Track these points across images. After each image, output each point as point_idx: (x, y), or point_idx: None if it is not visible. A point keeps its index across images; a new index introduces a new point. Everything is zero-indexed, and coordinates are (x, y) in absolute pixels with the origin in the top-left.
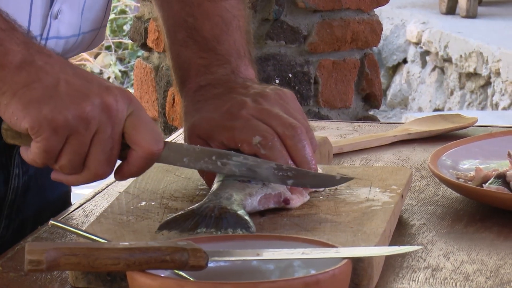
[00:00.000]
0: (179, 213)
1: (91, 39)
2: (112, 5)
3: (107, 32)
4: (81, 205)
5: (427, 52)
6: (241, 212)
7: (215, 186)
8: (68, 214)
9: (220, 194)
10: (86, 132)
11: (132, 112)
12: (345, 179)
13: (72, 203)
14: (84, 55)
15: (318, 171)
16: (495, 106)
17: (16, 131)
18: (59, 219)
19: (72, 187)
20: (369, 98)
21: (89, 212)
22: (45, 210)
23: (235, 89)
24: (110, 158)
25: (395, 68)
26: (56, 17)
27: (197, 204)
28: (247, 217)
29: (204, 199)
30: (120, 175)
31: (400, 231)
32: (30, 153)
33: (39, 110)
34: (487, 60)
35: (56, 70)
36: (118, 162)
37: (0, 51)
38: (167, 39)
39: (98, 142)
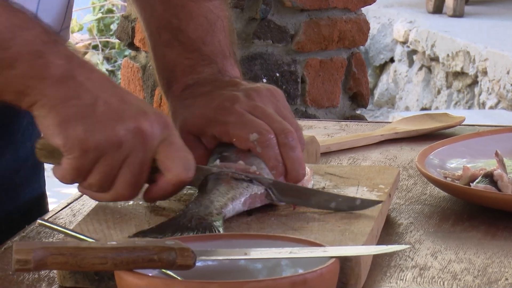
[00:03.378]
0: (157, 224)
1: None
2: (99, 4)
3: (94, 31)
4: (69, 204)
5: (414, 51)
6: (217, 223)
7: (198, 191)
8: (56, 213)
9: (201, 202)
10: (117, 155)
11: (166, 138)
12: (368, 202)
13: (49, 208)
14: None
15: (306, 172)
16: (482, 105)
17: (49, 151)
18: (47, 218)
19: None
20: (356, 97)
21: (77, 212)
22: (16, 212)
23: (224, 86)
24: (138, 182)
25: (382, 67)
26: None
27: (177, 213)
28: (220, 229)
29: (185, 207)
30: (149, 198)
31: (388, 230)
32: (61, 169)
33: (73, 129)
34: (474, 59)
35: (96, 88)
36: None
37: (42, 63)
38: (149, 41)
39: (128, 166)
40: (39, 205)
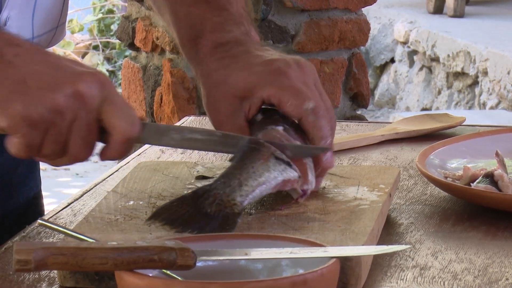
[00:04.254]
0: (174, 200)
1: (48, 40)
2: (100, 4)
3: (95, 31)
4: (69, 204)
5: (414, 52)
6: (237, 209)
7: (232, 159)
8: (56, 213)
9: (230, 180)
10: (62, 122)
11: (106, 97)
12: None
13: (44, 207)
14: (71, 54)
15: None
16: (483, 105)
17: None
18: (47, 218)
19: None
20: (356, 98)
21: (77, 212)
22: (13, 210)
23: (262, 50)
24: (89, 143)
25: (382, 68)
26: (5, 24)
27: (203, 186)
28: (238, 219)
29: (213, 181)
30: (103, 158)
31: (388, 230)
32: (13, 147)
33: (12, 108)
34: (474, 60)
35: (25, 62)
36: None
37: None
38: (171, 2)
39: (76, 129)
40: (35, 204)
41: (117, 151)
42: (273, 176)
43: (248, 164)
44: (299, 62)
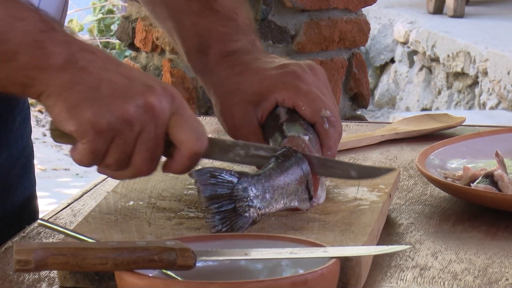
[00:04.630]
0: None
1: None
2: (100, 4)
3: (95, 31)
4: (69, 204)
5: (414, 52)
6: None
7: (273, 171)
8: (56, 213)
9: (264, 195)
10: (130, 133)
11: (176, 111)
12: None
13: (39, 208)
14: None
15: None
16: (483, 105)
17: (63, 131)
18: (47, 218)
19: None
20: (356, 98)
21: (77, 212)
22: (9, 211)
23: (272, 57)
24: (154, 156)
25: (382, 68)
26: None
27: (239, 178)
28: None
29: (254, 177)
30: (166, 170)
31: (388, 230)
32: (77, 154)
33: (82, 113)
34: (474, 60)
35: (99, 69)
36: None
37: (42, 54)
38: (175, 11)
39: (142, 142)
40: (30, 205)
41: (182, 166)
42: (292, 204)
43: (284, 181)
44: (312, 67)
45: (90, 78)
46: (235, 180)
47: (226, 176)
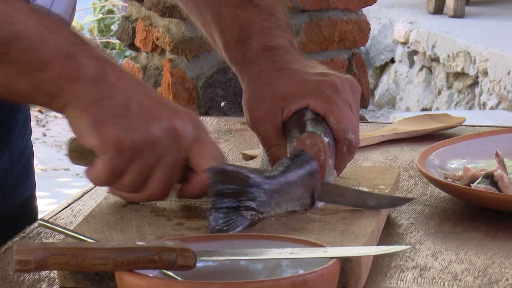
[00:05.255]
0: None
1: None
2: (100, 5)
3: (95, 31)
4: (69, 204)
5: (414, 52)
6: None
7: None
8: (56, 214)
9: (269, 201)
10: (152, 155)
11: (198, 137)
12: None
13: (38, 209)
14: None
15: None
16: (483, 105)
17: (81, 152)
18: (47, 219)
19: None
20: None
21: (77, 212)
22: (9, 212)
23: (312, 62)
24: (171, 181)
25: (382, 68)
26: None
27: (253, 180)
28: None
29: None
30: (181, 195)
31: (388, 231)
32: (94, 170)
33: (108, 129)
34: (474, 60)
35: (127, 88)
36: None
37: (74, 65)
38: (213, 3)
39: (162, 165)
40: (29, 206)
41: (199, 191)
42: (294, 208)
43: (292, 188)
44: (351, 83)
45: (119, 95)
46: (246, 180)
47: (238, 175)
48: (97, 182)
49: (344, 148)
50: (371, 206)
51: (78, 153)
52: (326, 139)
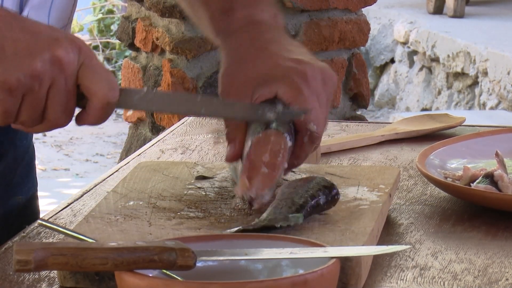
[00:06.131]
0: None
1: None
2: (100, 5)
3: (95, 31)
4: (69, 204)
5: (414, 52)
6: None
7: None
8: (56, 213)
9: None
10: (40, 89)
11: (84, 62)
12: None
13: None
14: None
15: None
16: (483, 105)
17: None
18: (47, 218)
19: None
20: (356, 98)
21: (77, 212)
22: (12, 211)
23: (294, 45)
24: (68, 109)
25: (382, 68)
26: None
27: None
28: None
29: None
30: (80, 123)
31: (388, 230)
32: None
33: None
34: (474, 60)
35: (2, 30)
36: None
37: None
38: None
39: (54, 96)
40: (31, 205)
41: (95, 117)
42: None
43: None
44: (324, 73)
45: None
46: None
47: None
48: None
49: (305, 138)
50: (268, 119)
51: None
52: (289, 143)
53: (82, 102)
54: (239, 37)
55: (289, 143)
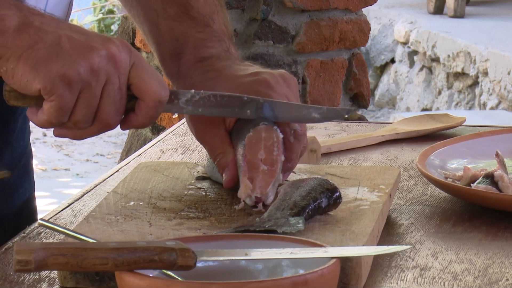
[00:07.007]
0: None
1: None
2: (100, 5)
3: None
4: (69, 204)
5: (415, 52)
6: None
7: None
8: (57, 214)
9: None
10: (97, 85)
11: (135, 62)
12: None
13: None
14: None
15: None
16: (483, 105)
17: (20, 92)
18: (47, 219)
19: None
20: (357, 98)
21: (78, 212)
22: (10, 212)
23: (246, 65)
24: (119, 108)
25: (383, 68)
26: None
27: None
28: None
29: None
30: (127, 126)
31: (389, 231)
32: (43, 114)
33: (49, 69)
34: (474, 60)
35: (54, 28)
36: None
37: None
38: (151, 14)
39: (108, 93)
40: (29, 206)
41: (145, 117)
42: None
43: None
44: (284, 77)
45: (48, 36)
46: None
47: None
48: (47, 124)
49: (291, 138)
50: (315, 119)
51: (17, 93)
52: (281, 135)
53: (129, 104)
54: (191, 76)
55: (281, 135)
